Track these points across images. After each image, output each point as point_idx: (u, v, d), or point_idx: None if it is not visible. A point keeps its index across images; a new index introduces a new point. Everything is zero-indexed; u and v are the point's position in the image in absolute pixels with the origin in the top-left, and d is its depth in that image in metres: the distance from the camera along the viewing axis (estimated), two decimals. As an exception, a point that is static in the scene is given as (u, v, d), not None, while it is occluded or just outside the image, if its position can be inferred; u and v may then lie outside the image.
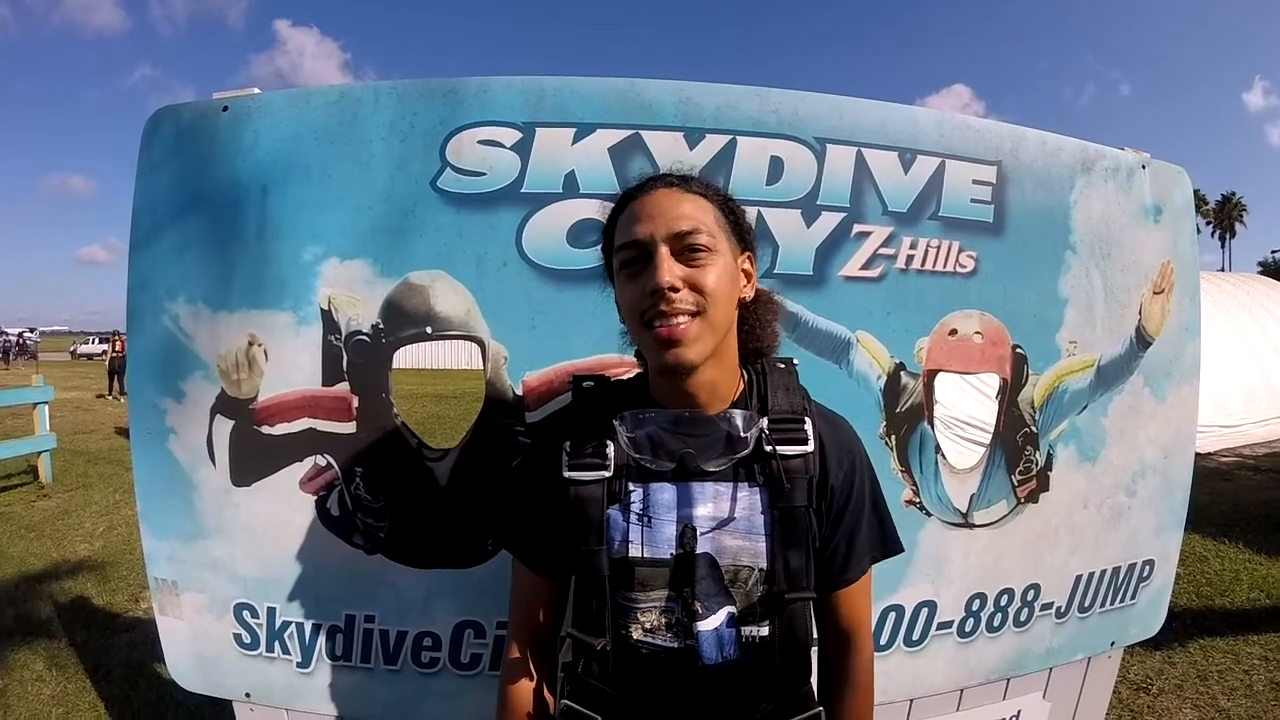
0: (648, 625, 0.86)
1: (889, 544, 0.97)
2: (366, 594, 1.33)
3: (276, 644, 1.38)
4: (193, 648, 1.43)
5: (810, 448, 0.89)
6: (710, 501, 0.86)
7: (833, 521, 0.91)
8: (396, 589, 1.32)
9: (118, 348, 15.42)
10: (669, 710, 0.87)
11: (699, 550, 0.85)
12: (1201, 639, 2.91)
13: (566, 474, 0.88)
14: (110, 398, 14.48)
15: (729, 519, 0.86)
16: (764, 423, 0.88)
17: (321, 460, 1.30)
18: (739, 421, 0.87)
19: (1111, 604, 1.65)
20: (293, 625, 1.37)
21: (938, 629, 1.45)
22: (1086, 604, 1.61)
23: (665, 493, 0.87)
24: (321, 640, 1.36)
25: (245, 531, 1.36)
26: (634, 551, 0.86)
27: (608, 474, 0.87)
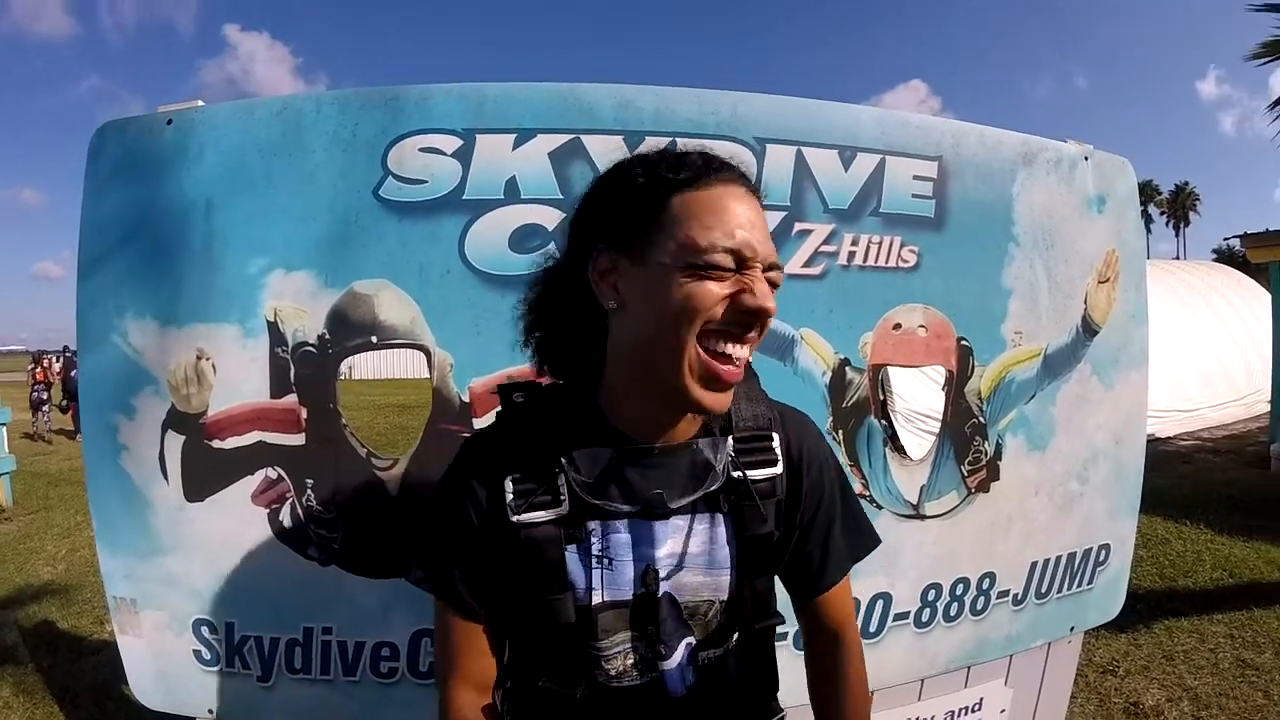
0: (613, 671, 0.80)
1: (866, 541, 0.94)
2: (323, 606, 1.33)
3: (236, 659, 1.37)
4: (154, 666, 1.42)
5: (779, 469, 0.83)
6: (670, 538, 0.79)
7: (804, 530, 0.87)
8: (353, 600, 1.32)
9: (39, 375, 12.47)
10: None
11: (662, 589, 0.79)
12: (1166, 620, 2.96)
13: (515, 518, 0.76)
14: (35, 435, 11.43)
15: (691, 555, 0.80)
16: (729, 443, 0.81)
17: (272, 473, 1.30)
18: (709, 454, 0.80)
19: (1069, 589, 1.68)
20: (251, 640, 1.36)
21: (894, 620, 1.47)
22: (1043, 590, 1.64)
23: (621, 532, 0.79)
24: (280, 654, 1.36)
25: (201, 547, 1.35)
26: (596, 598, 0.78)
27: (563, 511, 0.77)
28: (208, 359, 1.30)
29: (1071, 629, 1.73)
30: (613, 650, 0.79)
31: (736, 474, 0.80)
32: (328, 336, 1.26)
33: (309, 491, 1.29)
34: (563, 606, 0.77)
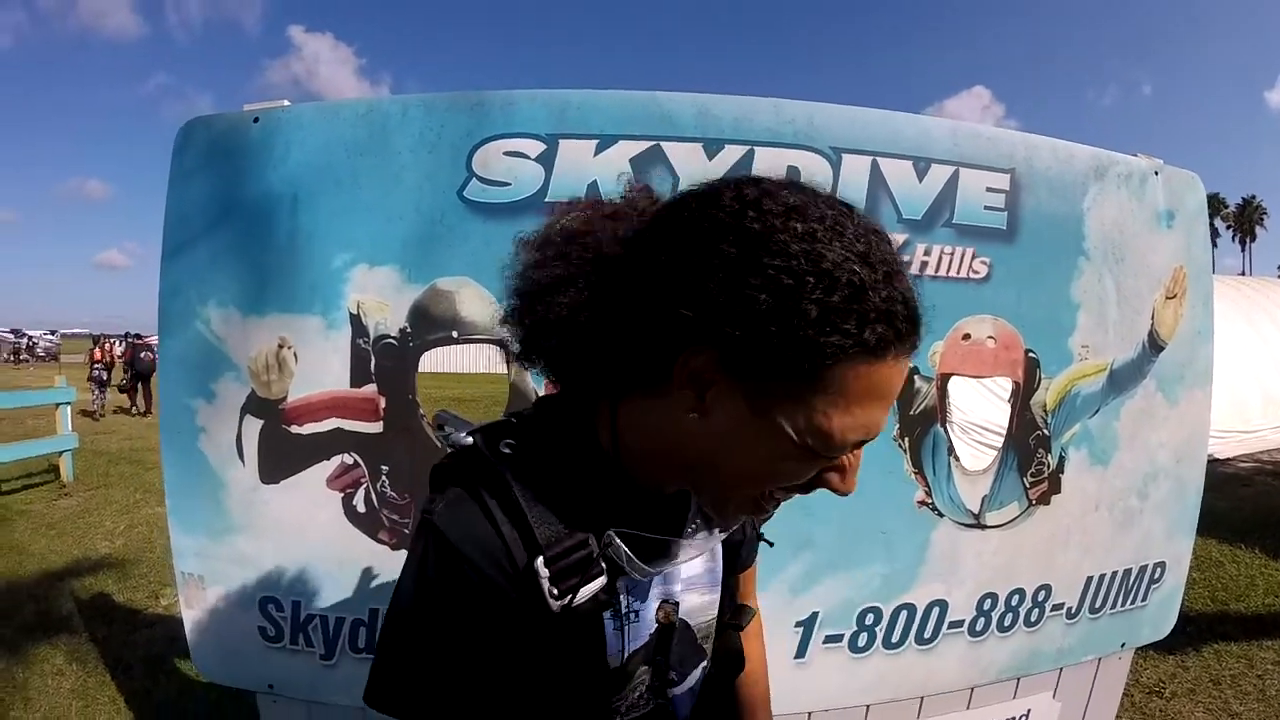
0: (625, 707, 0.71)
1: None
2: (390, 588, 1.36)
3: (300, 637, 1.42)
4: (217, 640, 1.47)
5: None
6: (682, 566, 0.71)
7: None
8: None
9: (96, 355, 13.01)
10: None
11: (678, 619, 0.72)
12: (1215, 643, 2.90)
13: (559, 603, 0.59)
14: (98, 413, 11.67)
15: (695, 576, 0.74)
16: None
17: (348, 459, 1.34)
18: None
19: (1122, 605, 1.67)
20: (316, 618, 1.41)
21: (949, 628, 1.48)
22: (1097, 605, 1.63)
23: (644, 579, 0.69)
24: (345, 633, 1.40)
25: (272, 528, 1.40)
26: (624, 658, 0.69)
27: (604, 583, 0.61)
28: (290, 348, 1.35)
29: (1123, 645, 1.71)
30: (628, 691, 0.71)
31: None
32: (409, 330, 1.30)
33: (384, 478, 1.33)
34: (599, 677, 0.68)
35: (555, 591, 0.59)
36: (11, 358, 33.00)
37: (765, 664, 0.95)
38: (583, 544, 0.61)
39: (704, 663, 0.77)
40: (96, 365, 12.75)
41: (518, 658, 0.62)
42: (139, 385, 12.20)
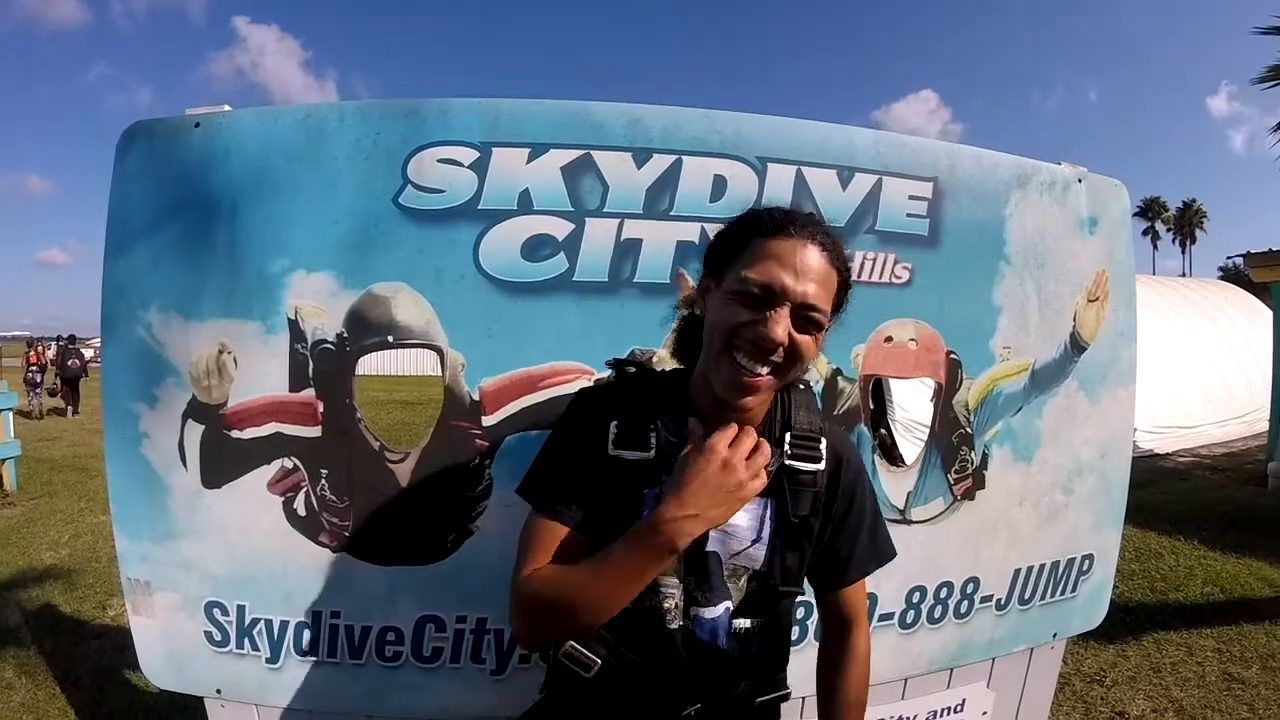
0: (654, 602, 0.95)
1: (886, 552, 1.09)
2: (332, 591, 1.39)
3: (246, 641, 1.43)
4: (165, 646, 1.48)
5: (823, 465, 0.98)
6: None
7: (835, 529, 1.02)
8: (361, 585, 1.38)
9: (31, 358, 13.84)
10: (659, 674, 0.95)
11: (709, 548, 0.95)
12: (1155, 632, 3.00)
13: (613, 451, 0.95)
14: (35, 414, 12.48)
15: (739, 527, 0.95)
16: (787, 438, 0.97)
17: (289, 463, 1.36)
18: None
19: (1052, 597, 1.73)
20: (262, 622, 1.42)
21: (879, 620, 1.53)
22: (1026, 596, 1.69)
23: None
24: (289, 636, 1.42)
25: (216, 532, 1.41)
26: None
27: (649, 456, 0.94)
28: (229, 353, 1.36)
29: (1054, 635, 1.78)
30: (659, 585, 0.94)
31: (788, 463, 0.96)
32: (346, 335, 1.32)
33: (323, 481, 1.35)
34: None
35: (615, 441, 0.95)
36: None
37: (864, 693, 1.08)
38: (643, 426, 0.95)
39: (727, 602, 0.96)
40: (31, 368, 13.54)
41: (587, 478, 0.96)
42: (69, 390, 13.14)
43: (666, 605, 0.95)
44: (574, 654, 0.95)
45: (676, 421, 0.96)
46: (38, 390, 12.95)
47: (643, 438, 0.95)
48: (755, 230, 0.91)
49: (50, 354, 15.12)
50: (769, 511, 0.97)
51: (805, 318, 0.87)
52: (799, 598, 1.06)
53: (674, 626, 0.95)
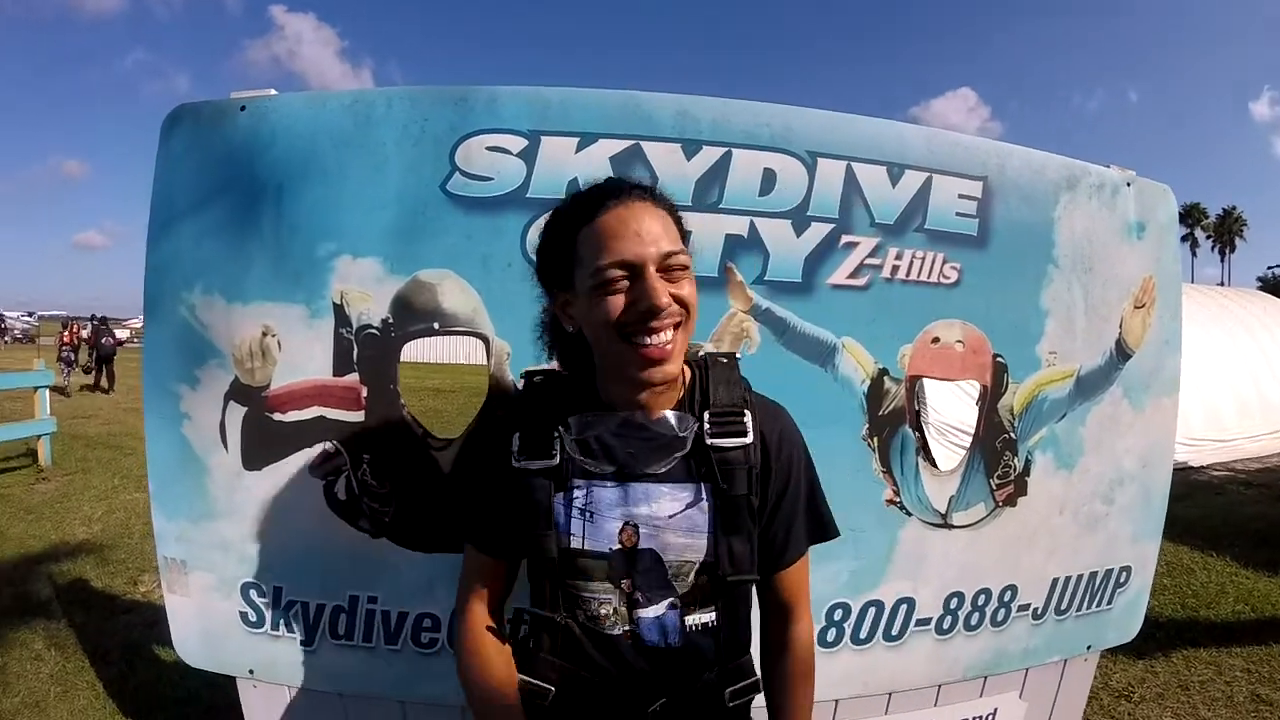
0: (590, 613, 0.93)
1: (827, 529, 1.02)
2: (370, 576, 1.39)
3: (281, 622, 1.44)
4: (199, 625, 1.49)
5: (750, 439, 0.93)
6: (654, 501, 0.91)
7: (772, 508, 0.96)
8: (399, 571, 1.38)
9: (65, 338, 14.80)
10: (616, 684, 0.93)
11: (642, 546, 0.91)
12: (1185, 649, 2.95)
13: (516, 463, 0.93)
14: (67, 390, 12.76)
15: (672, 517, 0.91)
16: (705, 416, 0.93)
17: (330, 446, 1.36)
18: (673, 422, 0.92)
19: (1088, 608, 1.70)
20: (298, 604, 1.43)
21: (916, 625, 1.51)
22: (1063, 607, 1.66)
23: (608, 491, 0.92)
24: (325, 619, 1.42)
25: (255, 514, 1.42)
26: (575, 544, 0.92)
27: (554, 463, 0.92)
28: (273, 335, 1.37)
29: (1088, 648, 1.75)
30: (589, 595, 0.92)
31: (710, 441, 0.92)
32: (391, 320, 1.32)
33: (365, 466, 1.35)
34: (547, 543, 0.92)
35: (516, 455, 0.94)
36: None
37: (809, 685, 1.02)
38: (546, 433, 0.93)
39: (671, 598, 0.92)
40: (65, 346, 14.39)
41: (498, 497, 0.95)
42: (102, 366, 13.73)
43: (603, 612, 0.92)
44: (528, 686, 0.94)
45: (580, 419, 0.93)
46: (71, 368, 13.62)
47: (546, 445, 0.93)
48: (576, 223, 0.88)
49: (85, 333, 15.75)
50: (703, 497, 0.92)
51: (671, 268, 0.84)
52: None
53: (617, 632, 0.92)
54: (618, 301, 0.83)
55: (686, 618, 0.92)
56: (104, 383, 13.66)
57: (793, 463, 0.98)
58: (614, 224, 0.84)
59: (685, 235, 0.92)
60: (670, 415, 0.92)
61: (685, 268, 0.86)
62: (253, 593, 1.45)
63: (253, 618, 1.46)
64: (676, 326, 0.85)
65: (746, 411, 0.95)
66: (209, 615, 1.48)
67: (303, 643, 1.45)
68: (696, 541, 0.92)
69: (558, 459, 0.92)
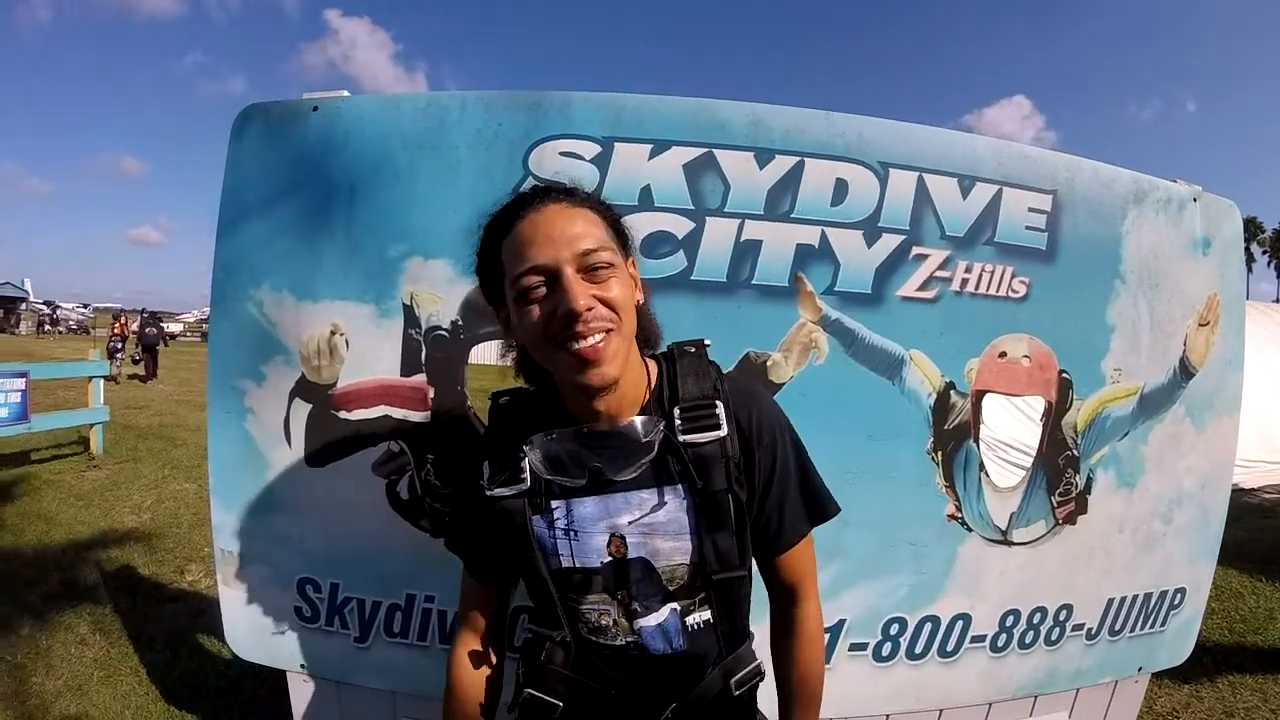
0: (591, 625, 0.91)
1: (826, 508, 0.98)
2: (428, 575, 1.40)
3: (336, 619, 1.46)
4: (251, 618, 1.51)
5: (723, 431, 0.89)
6: (635, 509, 0.89)
7: (761, 495, 0.92)
8: (457, 572, 1.38)
9: (115, 329, 15.65)
10: (623, 692, 0.92)
11: (631, 556, 0.89)
12: (1231, 675, 2.88)
13: (489, 492, 0.91)
14: (117, 378, 13.43)
15: (655, 522, 0.89)
16: (676, 413, 0.89)
17: (395, 446, 1.37)
18: (639, 427, 0.88)
19: (1141, 629, 1.68)
20: (354, 601, 1.45)
21: (971, 642, 1.50)
22: (1117, 627, 1.64)
23: (587, 506, 0.90)
24: (381, 617, 1.44)
25: (315, 510, 1.43)
26: (565, 563, 0.90)
27: (524, 487, 0.90)
28: (341, 334, 1.38)
29: (1139, 669, 1.72)
30: (590, 608, 0.91)
31: (682, 439, 0.88)
32: (460, 323, 1.34)
33: (429, 466, 1.36)
34: (535, 563, 0.91)
35: (487, 482, 0.92)
36: (35, 329, 34.29)
37: (818, 667, 1.00)
38: (513, 457, 0.91)
39: (672, 603, 0.90)
40: (114, 337, 15.06)
41: (481, 525, 0.94)
42: (148, 356, 14.46)
43: (604, 623, 0.91)
44: (534, 700, 0.93)
45: (543, 437, 0.91)
46: (119, 358, 14.31)
47: (514, 470, 0.91)
48: (498, 236, 0.86)
49: (134, 326, 17.02)
50: (681, 497, 0.89)
51: (589, 267, 0.80)
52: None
53: (620, 643, 0.91)
54: (538, 310, 0.80)
55: (686, 619, 0.91)
56: (146, 370, 14.39)
57: (776, 445, 0.93)
58: (528, 230, 0.82)
59: (620, 233, 0.88)
60: (637, 421, 0.89)
61: (609, 265, 0.81)
62: (309, 588, 1.46)
63: (307, 613, 1.47)
64: (608, 331, 0.80)
65: (717, 402, 0.90)
66: (263, 609, 1.50)
67: (356, 639, 1.46)
68: (682, 543, 0.89)
69: (528, 482, 0.90)
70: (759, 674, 0.97)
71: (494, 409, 0.98)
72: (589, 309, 0.78)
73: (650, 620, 0.90)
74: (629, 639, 0.90)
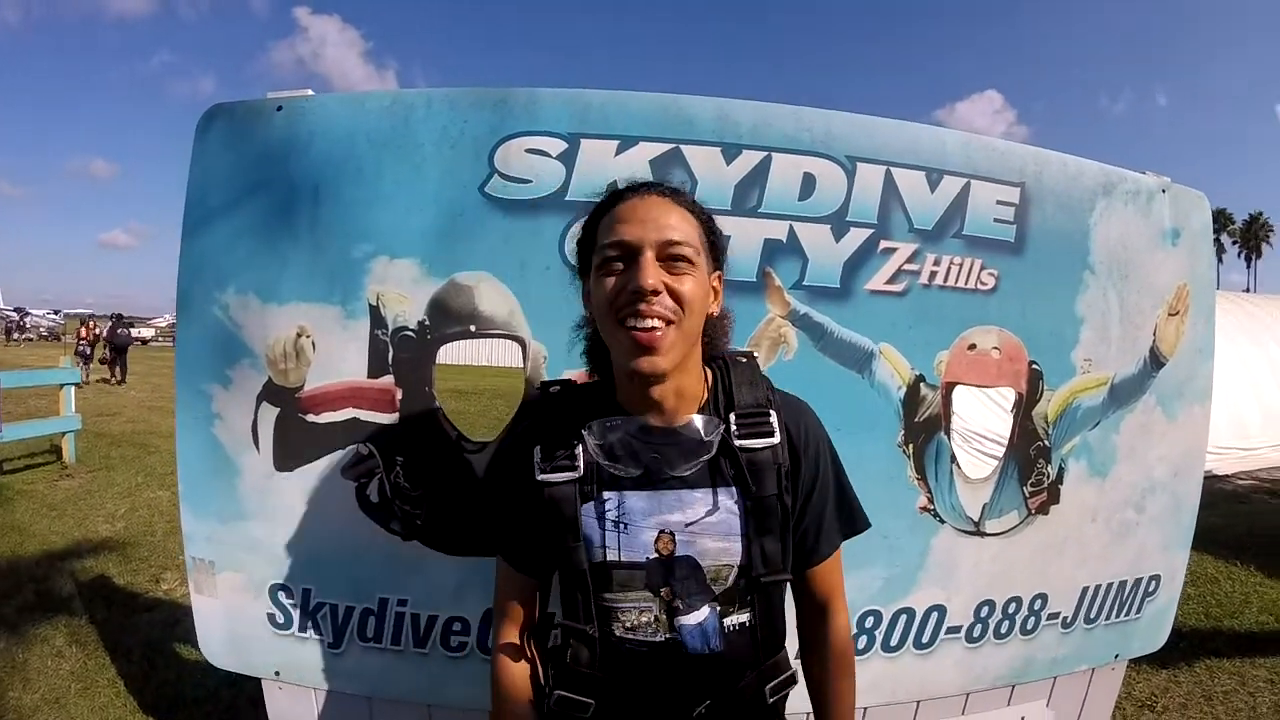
0: (629, 624, 0.91)
1: (856, 522, 1.02)
2: (400, 578, 1.39)
3: (309, 624, 1.44)
4: (225, 626, 1.49)
5: (777, 439, 0.92)
6: (687, 507, 0.90)
7: (802, 505, 0.95)
8: (430, 575, 1.38)
9: (83, 334, 15.89)
10: (656, 693, 0.92)
11: (679, 554, 0.90)
12: (1208, 659, 2.91)
13: (539, 477, 0.92)
14: (84, 382, 13.41)
15: (706, 522, 0.90)
16: (732, 418, 0.92)
17: (364, 449, 1.36)
18: (700, 426, 0.90)
19: (1117, 617, 1.69)
20: (326, 606, 1.43)
21: (947, 633, 1.50)
22: (1092, 615, 1.65)
23: (640, 500, 0.91)
24: (354, 621, 1.42)
25: (285, 515, 1.41)
26: (610, 556, 0.90)
27: (578, 474, 0.91)
28: (308, 336, 1.36)
29: (1116, 656, 1.74)
30: (627, 605, 0.91)
31: (738, 443, 0.91)
32: (427, 323, 1.32)
33: (398, 469, 1.35)
34: (577, 554, 0.91)
35: (539, 467, 0.92)
36: (4, 337, 33.89)
37: (852, 680, 1.02)
38: (568, 444, 0.92)
39: (713, 603, 0.91)
40: (82, 341, 15.53)
41: (524, 512, 0.94)
42: (117, 359, 14.58)
43: (644, 620, 0.91)
44: (566, 700, 0.94)
45: (602, 423, 0.92)
46: (87, 362, 14.49)
47: (568, 456, 0.92)
48: (597, 216, 0.91)
49: (100, 331, 17.20)
50: (734, 500, 0.91)
51: (671, 256, 0.84)
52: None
53: (660, 640, 0.91)
54: (612, 282, 0.84)
55: (725, 620, 0.92)
56: (117, 373, 14.43)
57: (820, 458, 0.97)
58: (626, 211, 0.86)
59: (715, 242, 0.92)
60: (698, 420, 0.91)
61: (689, 262, 0.85)
62: (281, 594, 1.44)
63: (280, 619, 1.45)
64: (669, 323, 0.83)
65: (772, 411, 0.94)
66: (236, 616, 1.48)
67: (330, 645, 1.45)
68: (731, 545, 0.91)
69: (581, 469, 0.91)
70: (793, 682, 0.99)
71: (544, 396, 1.00)
72: (655, 292, 0.81)
73: (691, 619, 0.91)
74: (668, 636, 0.91)
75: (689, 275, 0.85)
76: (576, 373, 1.31)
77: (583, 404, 0.95)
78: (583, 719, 0.93)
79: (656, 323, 0.82)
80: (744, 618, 0.92)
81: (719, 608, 0.91)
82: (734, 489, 0.91)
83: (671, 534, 0.90)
